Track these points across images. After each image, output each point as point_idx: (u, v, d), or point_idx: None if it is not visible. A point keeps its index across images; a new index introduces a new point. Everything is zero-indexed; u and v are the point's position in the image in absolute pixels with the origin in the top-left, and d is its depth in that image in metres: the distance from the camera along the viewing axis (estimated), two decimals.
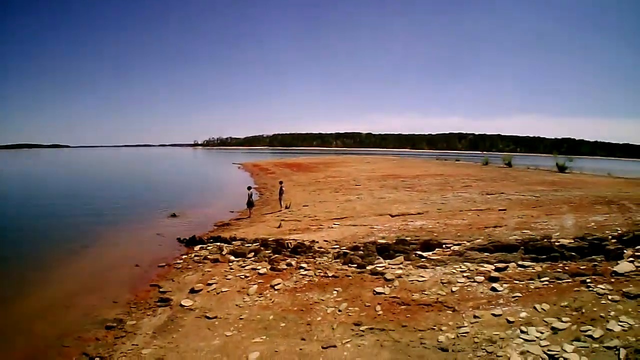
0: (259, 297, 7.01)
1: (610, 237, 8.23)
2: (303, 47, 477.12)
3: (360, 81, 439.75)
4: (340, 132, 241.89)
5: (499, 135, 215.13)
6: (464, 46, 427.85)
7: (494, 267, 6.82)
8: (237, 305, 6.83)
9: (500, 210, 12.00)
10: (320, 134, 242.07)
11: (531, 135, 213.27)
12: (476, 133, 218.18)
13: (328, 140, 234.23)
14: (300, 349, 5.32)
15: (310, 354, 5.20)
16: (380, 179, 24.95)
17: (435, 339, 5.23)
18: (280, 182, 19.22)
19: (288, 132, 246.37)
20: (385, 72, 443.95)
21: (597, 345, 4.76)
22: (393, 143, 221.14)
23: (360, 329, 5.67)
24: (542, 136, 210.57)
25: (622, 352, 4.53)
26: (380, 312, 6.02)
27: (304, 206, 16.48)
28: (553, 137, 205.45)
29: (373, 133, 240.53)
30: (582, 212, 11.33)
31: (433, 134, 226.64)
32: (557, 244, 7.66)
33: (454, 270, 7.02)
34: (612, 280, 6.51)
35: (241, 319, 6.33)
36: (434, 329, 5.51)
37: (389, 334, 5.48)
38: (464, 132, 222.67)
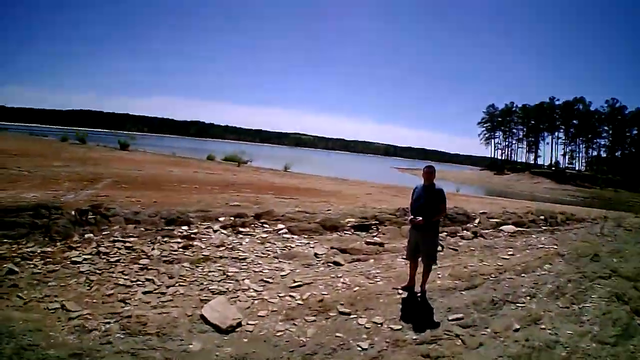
0: None
1: None
2: None
3: None
4: None
5: (127, 114, 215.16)
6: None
7: None
8: None
9: None
10: None
11: (160, 116, 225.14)
12: (104, 111, 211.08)
13: None
14: None
15: None
16: None
17: None
18: None
19: None
20: None
21: None
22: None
23: None
24: (170, 117, 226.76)
25: None
26: None
27: None
28: (182, 120, 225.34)
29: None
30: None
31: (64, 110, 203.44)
32: None
33: None
34: None
35: None
36: None
37: None
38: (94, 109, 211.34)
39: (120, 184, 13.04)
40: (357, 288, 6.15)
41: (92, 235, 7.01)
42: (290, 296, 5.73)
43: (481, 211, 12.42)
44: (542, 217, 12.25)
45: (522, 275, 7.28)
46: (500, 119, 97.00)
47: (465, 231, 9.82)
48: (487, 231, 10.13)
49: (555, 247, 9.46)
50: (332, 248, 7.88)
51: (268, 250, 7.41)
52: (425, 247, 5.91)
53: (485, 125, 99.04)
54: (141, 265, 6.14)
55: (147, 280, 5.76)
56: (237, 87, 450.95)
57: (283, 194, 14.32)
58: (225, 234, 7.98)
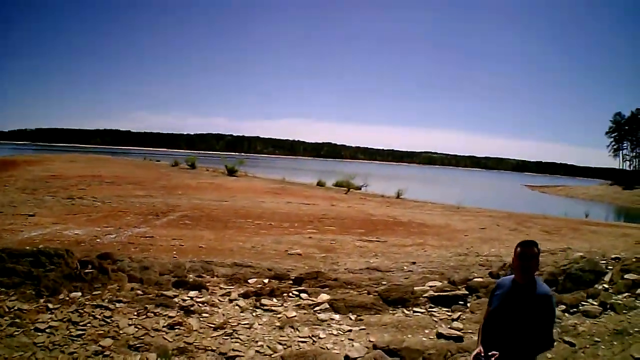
0: None
1: None
2: None
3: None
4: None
5: (258, 137, 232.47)
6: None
7: None
8: None
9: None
10: None
11: (291, 139, 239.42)
12: (234, 134, 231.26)
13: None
14: None
15: None
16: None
17: None
18: None
19: None
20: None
21: None
22: (152, 143, 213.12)
23: None
24: (302, 140, 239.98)
25: None
26: None
27: None
28: (313, 142, 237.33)
29: (133, 131, 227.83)
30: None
31: (191, 134, 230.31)
32: None
33: None
34: None
35: None
36: None
37: None
38: (223, 133, 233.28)
39: (185, 219, 12.65)
40: None
41: (79, 294, 6.16)
42: None
43: (613, 256, 8.44)
44: None
45: None
46: (626, 127, 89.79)
47: (590, 300, 6.76)
48: (619, 297, 6.68)
49: None
50: (376, 347, 5.59)
51: (280, 342, 5.59)
52: None
53: (612, 135, 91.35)
54: (99, 349, 4.98)
55: None
56: (367, 107, 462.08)
57: (371, 234, 12.38)
58: (240, 307, 6.47)
